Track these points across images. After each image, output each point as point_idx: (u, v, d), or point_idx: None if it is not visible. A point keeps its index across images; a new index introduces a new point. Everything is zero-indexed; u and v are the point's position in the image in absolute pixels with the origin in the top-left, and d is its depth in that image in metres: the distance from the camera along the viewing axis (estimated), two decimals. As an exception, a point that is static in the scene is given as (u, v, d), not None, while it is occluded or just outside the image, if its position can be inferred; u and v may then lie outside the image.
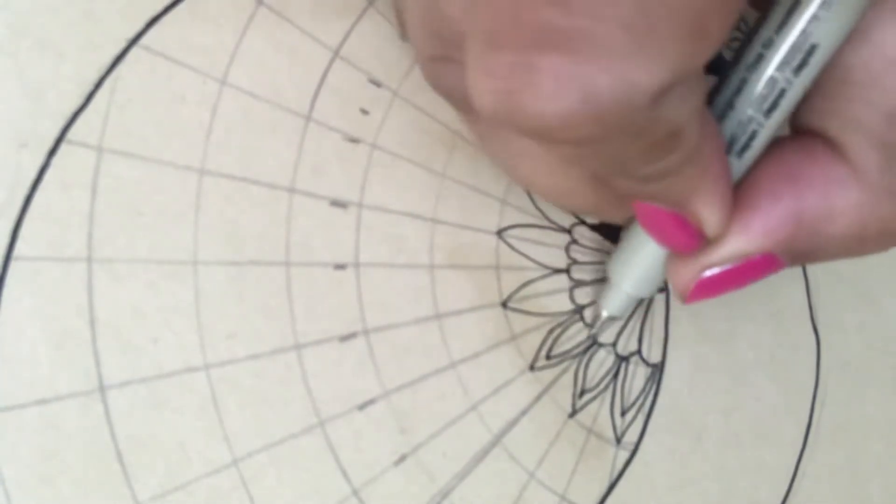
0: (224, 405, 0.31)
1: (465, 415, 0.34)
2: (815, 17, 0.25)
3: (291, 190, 0.32)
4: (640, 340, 0.37)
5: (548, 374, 0.35)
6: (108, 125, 0.30)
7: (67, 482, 0.29)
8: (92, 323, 0.30)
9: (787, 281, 0.40)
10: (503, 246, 0.35)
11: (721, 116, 0.27)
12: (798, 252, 0.28)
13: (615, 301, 0.34)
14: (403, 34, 0.32)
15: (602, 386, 0.36)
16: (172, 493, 0.30)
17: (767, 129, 0.27)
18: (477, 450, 0.34)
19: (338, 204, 0.33)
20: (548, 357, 0.35)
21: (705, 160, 0.26)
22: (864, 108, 0.26)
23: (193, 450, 0.31)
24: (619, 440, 0.36)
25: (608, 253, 0.36)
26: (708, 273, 0.29)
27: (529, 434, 0.35)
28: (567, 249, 0.36)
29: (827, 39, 0.25)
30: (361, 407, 0.33)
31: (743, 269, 0.29)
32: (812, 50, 0.25)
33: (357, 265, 0.33)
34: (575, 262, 0.36)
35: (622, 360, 0.36)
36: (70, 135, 0.30)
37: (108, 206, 0.30)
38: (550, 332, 0.35)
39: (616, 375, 0.36)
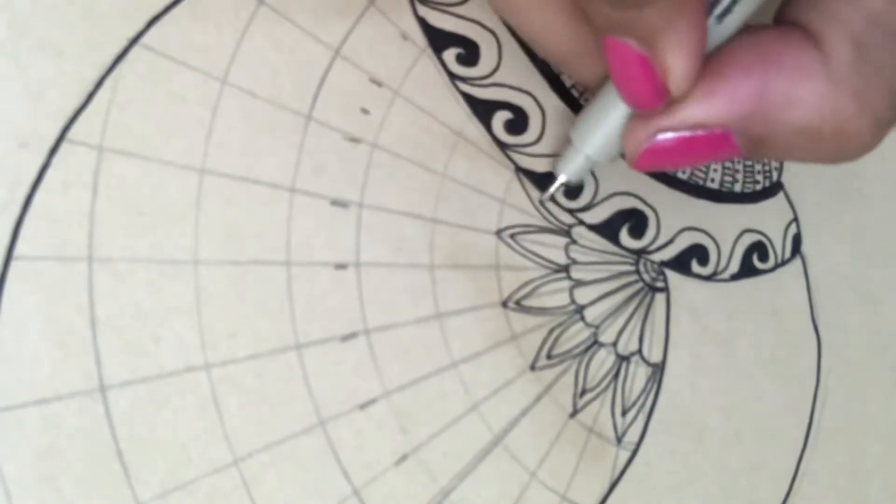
0: (225, 405, 0.31)
1: (466, 414, 0.34)
2: None
3: (292, 189, 0.32)
4: (640, 340, 0.37)
5: (548, 374, 0.35)
6: (109, 124, 0.30)
7: (68, 482, 0.29)
8: (92, 322, 0.30)
9: (787, 280, 0.40)
10: (503, 246, 0.35)
11: None
12: (753, 136, 0.29)
13: (573, 165, 0.34)
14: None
15: (603, 386, 0.36)
16: (173, 493, 0.30)
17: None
18: (478, 449, 0.34)
19: (338, 203, 0.33)
20: (548, 357, 0.35)
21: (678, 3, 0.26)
22: (847, 6, 0.27)
23: (194, 450, 0.31)
24: (619, 440, 0.36)
25: (608, 253, 0.36)
26: (661, 137, 0.29)
27: (530, 434, 0.35)
28: (566, 249, 0.36)
29: None
30: (362, 407, 0.33)
31: (696, 141, 0.29)
32: None
33: (358, 265, 0.33)
34: (574, 261, 0.36)
35: (623, 359, 0.36)
36: (71, 134, 0.30)
37: (109, 205, 0.30)
38: (551, 331, 0.35)
39: (617, 375, 0.36)
